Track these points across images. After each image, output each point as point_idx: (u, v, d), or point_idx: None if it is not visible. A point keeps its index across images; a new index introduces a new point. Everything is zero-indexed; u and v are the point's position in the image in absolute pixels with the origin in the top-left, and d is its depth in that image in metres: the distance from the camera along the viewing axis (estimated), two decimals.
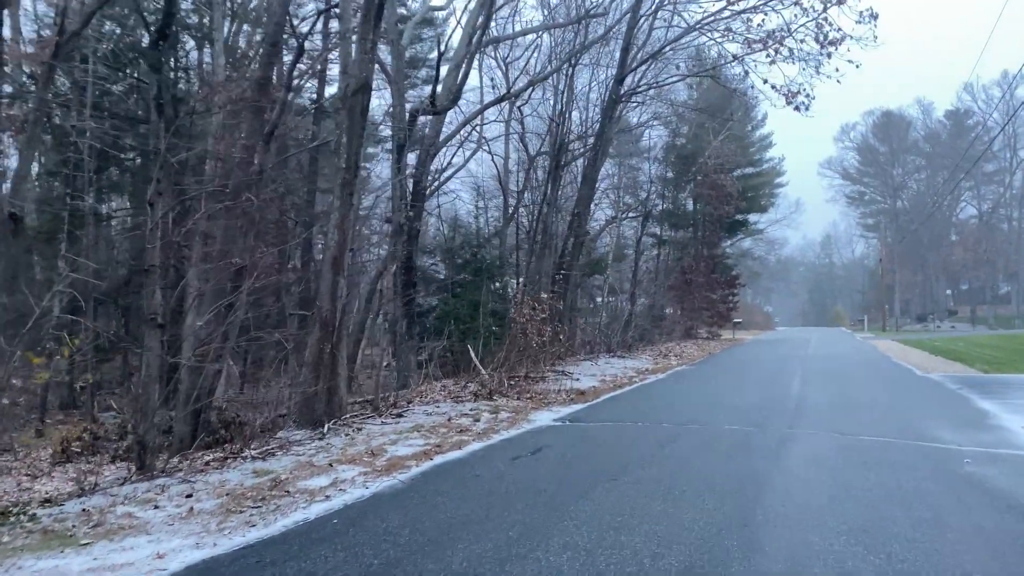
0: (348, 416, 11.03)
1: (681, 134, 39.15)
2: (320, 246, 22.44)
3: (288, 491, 6.68)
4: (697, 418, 10.46)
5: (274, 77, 15.94)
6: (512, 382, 15.70)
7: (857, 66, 20.26)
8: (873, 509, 5.40)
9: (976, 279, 68.95)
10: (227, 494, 6.72)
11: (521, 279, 20.22)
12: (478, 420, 10.86)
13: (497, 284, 23.42)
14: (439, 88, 19.57)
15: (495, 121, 28.65)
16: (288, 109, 14.14)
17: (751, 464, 7.02)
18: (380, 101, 26.12)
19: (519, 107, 26.96)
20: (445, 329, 18.33)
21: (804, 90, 17.36)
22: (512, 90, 21.33)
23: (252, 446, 9.34)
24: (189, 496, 6.75)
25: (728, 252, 53.02)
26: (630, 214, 34.94)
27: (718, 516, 5.21)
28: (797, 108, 17.73)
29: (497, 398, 13.04)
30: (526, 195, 27.09)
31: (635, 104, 32.09)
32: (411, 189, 21.98)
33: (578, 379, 17.35)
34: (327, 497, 6.34)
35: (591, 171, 21.58)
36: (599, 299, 36.13)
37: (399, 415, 11.50)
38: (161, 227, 8.22)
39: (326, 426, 10.01)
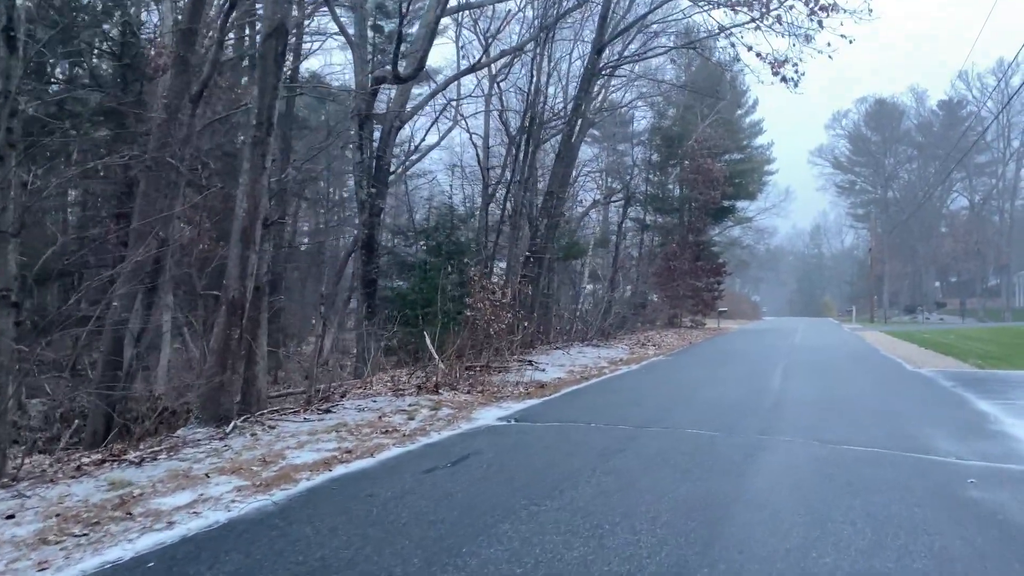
0: (267, 411, 9.70)
1: (667, 116, 37.79)
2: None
3: (132, 512, 5.34)
4: (660, 418, 9.17)
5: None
6: (470, 373, 14.43)
7: (850, 41, 18.92)
8: (859, 558, 4.11)
9: (966, 271, 68.07)
10: (58, 514, 5.38)
11: (487, 264, 18.86)
12: (413, 418, 9.54)
13: (470, 267, 22.09)
14: (403, 58, 18.11)
15: (471, 96, 27.20)
16: (219, 65, 12.68)
17: (709, 485, 5.72)
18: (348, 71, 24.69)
19: (498, 82, 25.53)
20: (404, 315, 16.99)
21: (792, 60, 16.00)
22: (483, 60, 19.87)
23: (141, 446, 8.04)
24: (10, 517, 5.39)
25: (716, 240, 51.83)
26: (613, 198, 33.59)
27: (651, 567, 3.91)
28: (785, 80, 16.38)
29: (444, 391, 11.72)
30: (507, 175, 25.72)
31: (619, 83, 30.79)
32: (374, 164, 20.62)
33: (544, 370, 16.08)
34: (170, 524, 5.01)
35: (566, 148, 20.19)
36: (588, 286, 34.90)
37: (327, 410, 10.16)
38: (15, 185, 6.83)
39: (233, 423, 8.68)
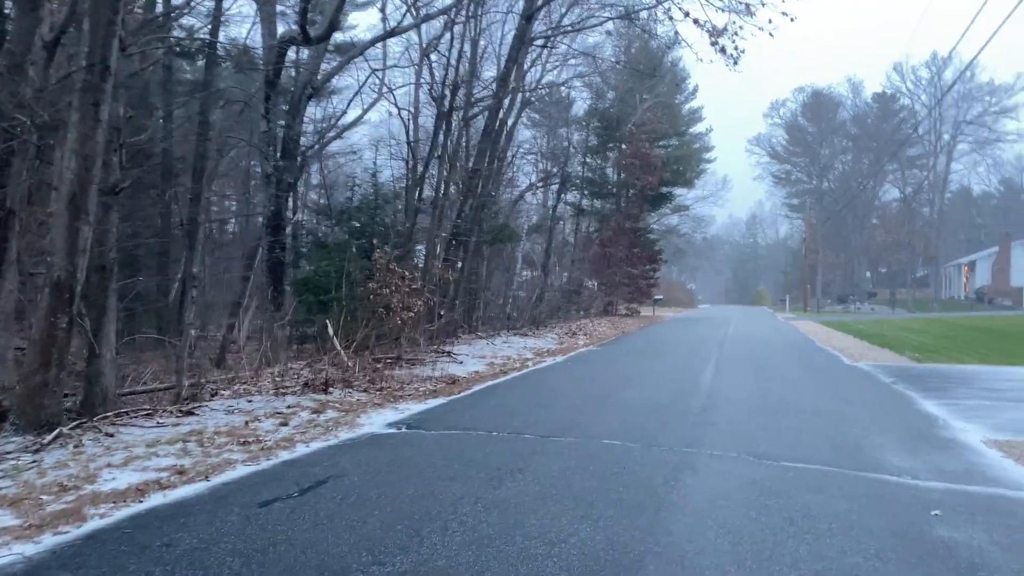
0: (113, 415, 8.11)
1: (606, 98, 36.72)
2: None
3: None
4: (574, 423, 7.92)
5: None
6: (377, 365, 13.00)
7: (792, 19, 17.98)
8: None
9: (896, 262, 69.22)
10: None
11: (406, 246, 17.36)
12: (286, 423, 8.09)
13: (377, 249, 20.53)
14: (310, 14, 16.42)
15: (398, 66, 25.49)
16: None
17: (616, 527, 4.47)
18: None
19: (428, 55, 23.91)
20: (308, 302, 15.42)
21: (730, 29, 14.92)
22: (404, 24, 18.26)
23: None
24: None
25: (653, 227, 51.22)
26: (549, 181, 32.35)
27: None
28: (723, 52, 15.30)
29: (337, 389, 10.27)
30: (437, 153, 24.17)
31: (557, 60, 29.49)
32: (282, 135, 18.90)
33: (462, 362, 14.76)
34: None
35: (493, 122, 18.78)
36: (525, 274, 33.64)
37: (189, 412, 8.63)
38: None
39: (58, 431, 7.09)
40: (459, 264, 19.19)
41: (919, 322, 33.30)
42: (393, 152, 26.73)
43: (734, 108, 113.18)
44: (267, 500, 5.05)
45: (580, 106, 37.90)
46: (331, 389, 10.18)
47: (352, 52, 19.75)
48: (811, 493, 5.33)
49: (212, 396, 9.63)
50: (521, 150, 32.13)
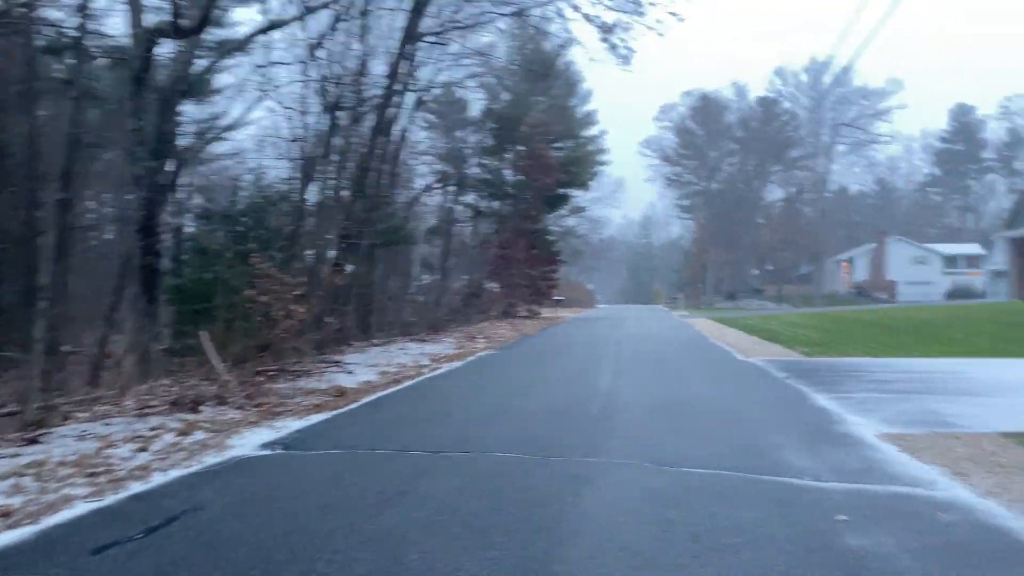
0: None
1: (500, 100, 36.48)
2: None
3: None
4: (468, 436, 7.42)
5: None
6: (259, 379, 12.12)
7: (680, 20, 18.16)
8: None
9: (782, 259, 72.20)
10: None
11: (292, 250, 16.42)
12: (146, 448, 7.23)
13: (272, 253, 19.46)
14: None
15: (282, 63, 24.30)
16: None
17: (508, 558, 3.99)
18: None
19: (314, 51, 22.88)
20: (183, 312, 14.34)
21: (621, 25, 14.84)
22: (286, 17, 17.35)
23: None
24: None
25: (552, 229, 51.44)
26: (444, 183, 31.78)
27: None
28: (614, 48, 15.24)
29: (209, 407, 9.40)
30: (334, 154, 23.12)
31: (450, 60, 28.95)
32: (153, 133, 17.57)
33: (352, 372, 14.00)
34: None
35: (381, 120, 18.08)
36: (425, 278, 32.89)
37: (33, 440, 7.63)
38: None
39: None
40: (350, 268, 18.37)
41: (805, 316, 34.60)
42: (282, 153, 25.56)
43: (627, 112, 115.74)
44: (103, 545, 4.30)
45: (476, 107, 37.57)
46: (202, 407, 9.30)
47: (229, 46, 18.61)
48: (715, 503, 5.01)
49: (64, 420, 8.59)
50: (416, 151, 31.50)
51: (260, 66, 23.04)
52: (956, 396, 10.25)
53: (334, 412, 9.42)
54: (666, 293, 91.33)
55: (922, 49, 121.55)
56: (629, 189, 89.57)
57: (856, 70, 65.79)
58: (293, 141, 17.88)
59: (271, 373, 13.03)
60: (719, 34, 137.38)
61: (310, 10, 17.59)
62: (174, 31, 15.46)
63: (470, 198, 37.65)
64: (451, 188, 32.54)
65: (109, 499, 5.41)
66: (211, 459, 6.74)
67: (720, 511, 4.81)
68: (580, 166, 47.22)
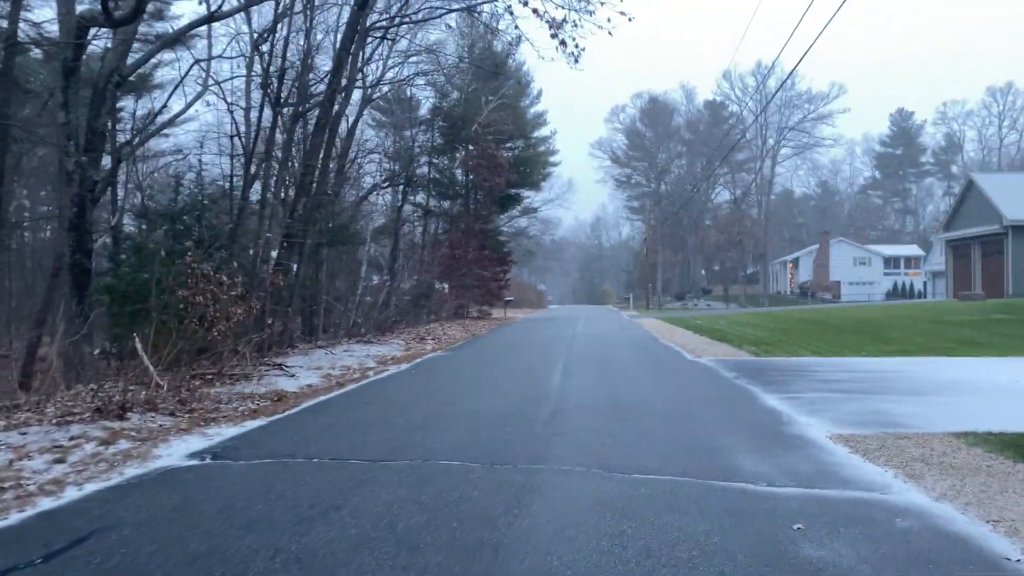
0: None
1: (450, 97, 36.08)
2: None
3: None
4: (410, 443, 7.07)
5: None
6: (195, 383, 11.59)
7: (630, 19, 18.03)
8: None
9: (728, 260, 73.28)
10: None
11: (228, 249, 15.79)
12: (64, 460, 6.71)
13: (216, 253, 18.73)
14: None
15: (225, 57, 23.52)
16: None
17: None
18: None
19: (259, 46, 22.18)
20: (115, 312, 13.63)
21: (570, 21, 14.63)
22: (224, 9, 16.66)
23: None
24: None
25: (504, 230, 51.24)
26: (393, 182, 31.22)
27: None
28: (563, 44, 15.00)
29: (137, 413, 8.86)
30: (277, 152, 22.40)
31: (399, 57, 28.51)
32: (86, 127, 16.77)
33: (294, 375, 13.52)
34: None
35: (326, 116, 17.55)
36: (374, 278, 32.20)
37: None
38: None
39: None
40: (293, 268, 17.81)
41: (752, 316, 34.99)
42: (225, 149, 24.78)
43: (579, 113, 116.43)
44: None
45: (426, 106, 37.10)
46: (129, 414, 8.76)
47: (166, 37, 17.85)
48: (667, 512, 4.77)
49: None
50: (364, 149, 30.87)
51: (200, 60, 22.32)
52: (902, 396, 10.28)
53: (271, 418, 8.98)
54: (616, 293, 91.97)
55: (864, 55, 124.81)
56: (580, 190, 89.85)
57: (800, 75, 67.11)
58: (233, 137, 17.26)
59: (209, 377, 12.48)
60: (669, 36, 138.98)
61: (252, 1, 16.95)
62: (106, 19, 14.70)
63: (420, 198, 37.14)
64: (400, 187, 32.00)
65: (13, 518, 4.94)
66: (133, 471, 6.27)
67: (673, 522, 4.57)
68: (531, 166, 47.13)
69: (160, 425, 8.44)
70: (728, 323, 29.34)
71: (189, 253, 11.54)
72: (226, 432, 8.03)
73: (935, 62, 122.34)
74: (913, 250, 74.13)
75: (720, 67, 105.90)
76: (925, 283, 63.53)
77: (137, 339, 11.58)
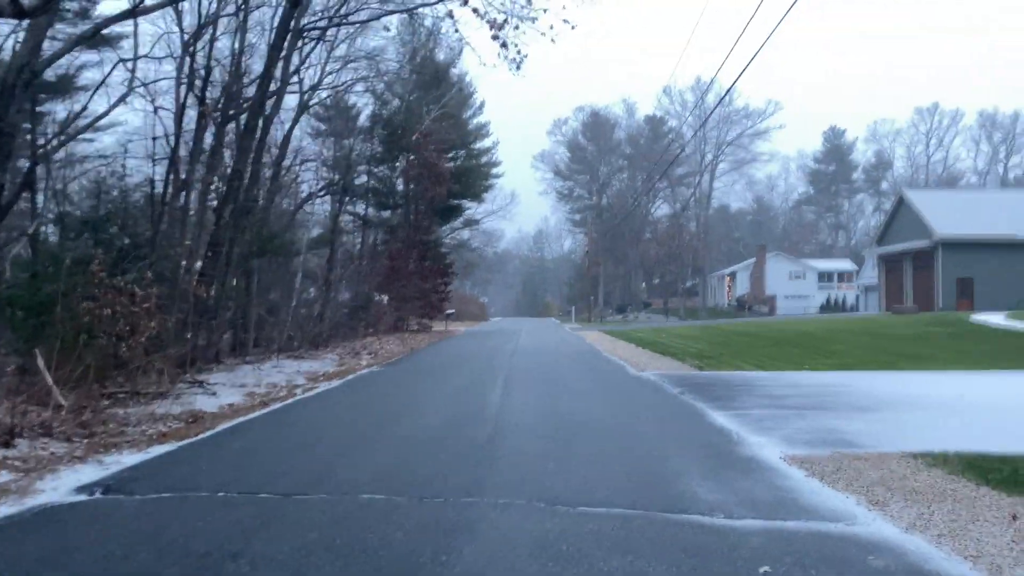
0: None
1: (391, 105, 35.31)
2: None
3: None
4: (331, 471, 6.37)
5: None
6: (104, 403, 10.60)
7: (573, 27, 17.69)
8: None
9: (668, 273, 73.83)
10: None
11: (148, 260, 14.74)
12: None
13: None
14: None
15: (152, 57, 22.32)
16: None
17: None
18: None
19: (190, 46, 21.09)
20: (16, 326, 12.49)
21: (511, 23, 14.15)
22: (145, 5, 15.65)
23: None
24: None
25: (446, 241, 50.54)
26: (330, 190, 30.25)
27: None
28: (504, 47, 14.52)
29: (26, 439, 7.92)
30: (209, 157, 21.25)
31: (337, 64, 27.70)
32: None
33: (216, 393, 12.59)
34: None
35: (255, 120, 16.67)
36: (312, 290, 31.09)
37: None
38: None
39: None
40: (220, 279, 16.81)
41: (693, 329, 35.03)
42: (153, 155, 23.53)
43: (522, 126, 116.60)
44: None
45: (367, 114, 36.23)
46: (18, 439, 7.81)
47: (85, 31, 16.71)
48: (618, 554, 4.20)
49: None
50: (301, 157, 29.87)
51: (125, 60, 21.12)
52: (850, 412, 10.00)
53: (181, 442, 8.15)
54: (559, 306, 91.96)
55: (800, 73, 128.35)
56: (523, 202, 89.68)
57: (738, 91, 68.34)
58: (155, 139, 16.26)
59: (121, 396, 11.50)
60: (612, 51, 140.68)
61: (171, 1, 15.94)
62: (13, 9, 13.63)
63: (359, 207, 36.18)
64: (338, 196, 31.03)
65: None
66: (7, 508, 5.43)
67: (625, 566, 4.00)
68: (473, 177, 46.63)
69: (52, 453, 7.52)
70: (669, 336, 29.22)
71: (96, 262, 10.55)
72: (126, 460, 7.19)
73: (867, 81, 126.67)
74: (846, 264, 76.04)
75: (661, 83, 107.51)
76: (858, 297, 65.11)
77: (38, 355, 10.58)
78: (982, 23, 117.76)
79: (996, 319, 26.33)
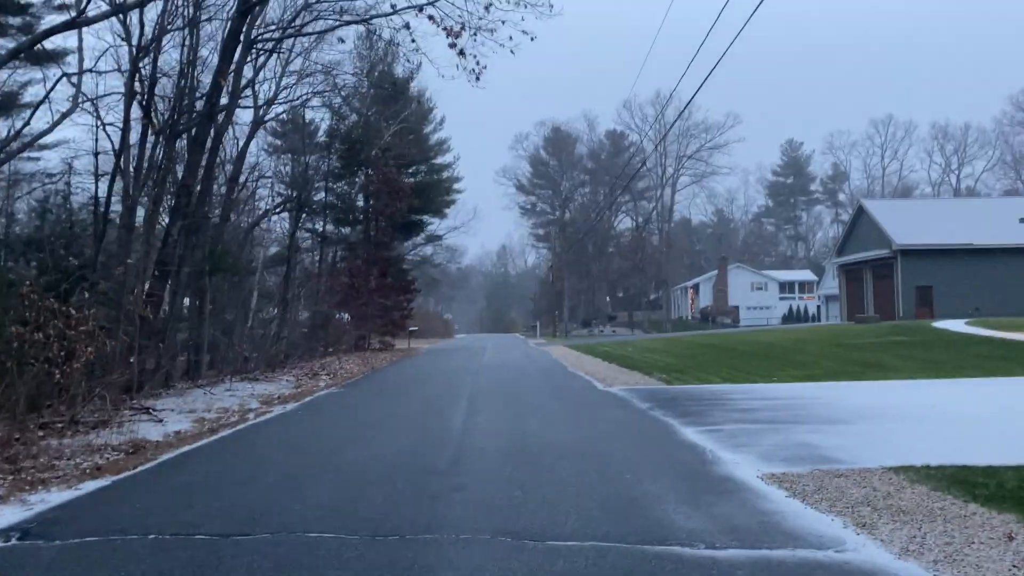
0: None
1: (349, 120, 34.74)
2: None
3: None
4: (276, 507, 5.82)
5: None
6: (39, 434, 9.90)
7: (532, 39, 17.41)
8: None
9: (632, 286, 74.02)
10: None
11: (87, 280, 14.01)
12: None
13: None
14: None
15: (97, 71, 21.52)
16: None
17: None
18: None
19: (138, 60, 20.35)
20: None
21: (469, 27, 13.78)
22: (86, 16, 14.96)
23: None
24: None
25: (408, 258, 49.91)
26: (286, 207, 29.56)
27: None
28: (462, 55, 14.12)
29: None
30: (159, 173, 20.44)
31: (292, 79, 27.14)
32: None
33: (163, 420, 11.91)
34: None
35: (204, 133, 16.04)
36: (273, 310, 30.26)
37: None
38: None
39: None
40: (169, 299, 16.09)
41: (658, 342, 34.87)
42: (97, 171, 22.67)
43: (484, 142, 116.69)
44: None
45: (324, 130, 35.60)
46: None
47: (22, 43, 15.99)
48: None
49: None
50: (257, 173, 29.13)
51: (70, 74, 20.32)
52: (824, 425, 9.72)
53: (119, 476, 7.53)
54: (523, 322, 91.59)
55: (758, 87, 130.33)
56: (486, 218, 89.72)
57: (697, 104, 68.87)
58: (98, 155, 15.55)
59: (58, 425, 10.78)
60: (572, 67, 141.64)
61: (123, 8, 15.32)
62: None
63: (317, 224, 35.46)
64: (295, 212, 30.31)
65: None
66: None
67: None
68: (434, 192, 46.16)
69: None
70: (635, 349, 28.97)
71: (28, 283, 9.86)
72: (53, 498, 6.56)
73: (823, 94, 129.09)
74: (807, 275, 76.93)
75: (621, 97, 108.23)
76: (819, 307, 65.81)
77: None
78: (932, 36, 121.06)
79: (957, 326, 26.56)
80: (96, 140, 17.90)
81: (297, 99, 26.92)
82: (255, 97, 26.39)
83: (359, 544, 4.74)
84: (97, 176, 16.05)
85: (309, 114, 32.98)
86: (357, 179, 37.22)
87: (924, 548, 4.63)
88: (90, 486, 7.05)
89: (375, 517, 5.37)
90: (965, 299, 33.83)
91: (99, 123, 19.20)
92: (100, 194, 19.81)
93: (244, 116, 27.58)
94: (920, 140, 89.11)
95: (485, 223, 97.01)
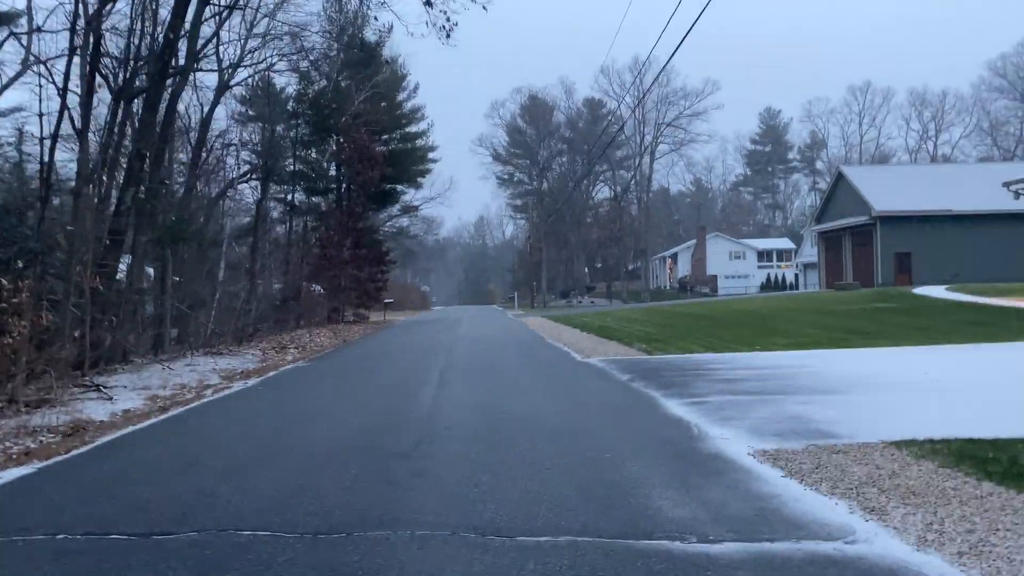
0: None
1: (318, 84, 33.54)
2: None
3: None
4: (212, 498, 5.13)
5: None
6: None
7: None
8: None
9: (610, 256, 73.55)
10: None
11: (38, 257, 13.10)
12: None
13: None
14: None
15: (48, 31, 20.32)
16: None
17: None
18: None
19: (93, 20, 19.17)
20: None
21: None
22: None
23: None
24: None
25: (383, 229, 48.95)
26: (254, 175, 28.48)
27: None
28: (429, 3, 13.28)
29: None
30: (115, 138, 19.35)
31: (258, 42, 26.05)
32: None
33: (113, 398, 11.16)
34: None
35: (157, 94, 15.07)
36: (244, 283, 29.28)
37: None
38: None
39: None
40: (132, 269, 15.21)
41: (637, 312, 34.40)
42: (42, 136, 21.52)
43: (460, 111, 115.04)
44: None
45: (292, 92, 34.40)
46: None
47: None
48: None
49: None
50: (224, 141, 28.00)
51: (18, 34, 19.12)
52: (814, 395, 9.19)
53: (47, 461, 6.82)
54: (502, 293, 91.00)
55: (737, 54, 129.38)
56: (464, 190, 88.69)
57: (675, 70, 67.87)
58: (41, 116, 14.53)
59: None
60: (550, 32, 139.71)
61: None
62: None
63: (289, 194, 34.40)
64: (263, 181, 29.24)
65: None
66: None
67: None
68: (408, 161, 45.07)
69: None
70: (614, 320, 28.45)
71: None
72: None
73: (802, 61, 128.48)
74: (785, 243, 76.86)
75: (599, 62, 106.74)
76: (797, 275, 65.77)
77: None
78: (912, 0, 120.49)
79: (938, 292, 26.28)
80: (40, 101, 16.86)
81: (263, 62, 25.85)
82: (219, 60, 25.27)
83: (298, 545, 4.07)
84: (42, 141, 15.01)
85: (278, 80, 31.87)
86: (328, 147, 36.13)
87: (944, 537, 4.07)
88: (10, 475, 6.33)
89: (322, 511, 4.70)
90: (943, 265, 33.65)
91: (40, 83, 18.09)
92: (42, 159, 18.73)
93: (209, 80, 26.46)
94: (898, 107, 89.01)
95: (463, 194, 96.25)
